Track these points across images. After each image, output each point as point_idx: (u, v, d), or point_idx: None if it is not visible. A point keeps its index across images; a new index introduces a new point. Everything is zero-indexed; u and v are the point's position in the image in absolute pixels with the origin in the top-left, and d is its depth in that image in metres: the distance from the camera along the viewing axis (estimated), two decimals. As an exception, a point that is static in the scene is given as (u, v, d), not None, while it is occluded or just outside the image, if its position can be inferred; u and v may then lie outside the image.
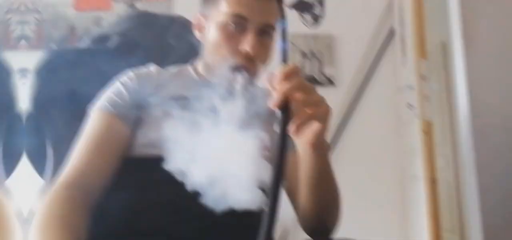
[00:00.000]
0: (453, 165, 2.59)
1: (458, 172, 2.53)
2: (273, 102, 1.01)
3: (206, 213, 1.15)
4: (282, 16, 1.19)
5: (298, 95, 1.04)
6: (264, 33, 1.46)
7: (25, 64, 3.89)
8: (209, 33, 1.50)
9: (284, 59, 1.08)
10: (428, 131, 2.86)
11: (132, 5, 4.06)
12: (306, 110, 1.07)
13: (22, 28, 4.02)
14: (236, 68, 1.41)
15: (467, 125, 1.76)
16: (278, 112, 1.01)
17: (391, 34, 3.83)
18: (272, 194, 0.91)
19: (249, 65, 1.41)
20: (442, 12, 2.17)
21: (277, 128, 1.01)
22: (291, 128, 1.06)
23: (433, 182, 2.82)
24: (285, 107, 1.01)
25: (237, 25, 1.43)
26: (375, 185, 3.57)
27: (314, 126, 1.11)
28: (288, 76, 1.03)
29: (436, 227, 2.81)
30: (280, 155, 0.95)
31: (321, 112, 1.09)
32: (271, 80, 1.04)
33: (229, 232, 1.30)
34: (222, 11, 1.45)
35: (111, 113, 1.43)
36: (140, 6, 4.05)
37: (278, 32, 1.34)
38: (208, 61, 1.52)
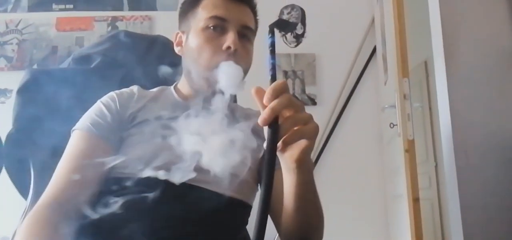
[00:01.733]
0: (435, 184, 2.60)
1: (440, 191, 2.53)
2: (261, 118, 0.99)
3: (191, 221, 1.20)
4: (271, 32, 1.19)
5: (287, 112, 1.03)
6: (243, 36, 1.48)
7: (5, 84, 3.87)
8: (190, 43, 1.51)
9: (273, 75, 1.07)
10: (410, 149, 2.86)
11: (113, 26, 4.06)
12: (294, 127, 1.06)
13: (2, 48, 4.00)
14: (215, 64, 1.39)
15: (449, 143, 1.76)
16: (266, 129, 0.99)
17: (373, 53, 3.85)
18: (262, 210, 0.92)
19: (233, 60, 1.40)
20: (424, 31, 2.18)
21: (262, 145, 1.00)
22: (279, 145, 1.05)
23: (415, 201, 2.81)
24: (274, 124, 0.99)
25: (217, 27, 1.45)
26: (358, 204, 3.57)
27: (301, 143, 1.10)
28: (277, 92, 1.01)
29: (419, 245, 2.81)
30: (269, 171, 0.95)
31: (309, 130, 1.08)
32: (260, 96, 1.03)
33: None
34: (201, 18, 1.48)
35: (93, 133, 1.42)
36: (121, 26, 4.06)
37: (266, 48, 1.35)
38: (190, 74, 1.52)
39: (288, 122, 1.02)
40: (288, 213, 1.32)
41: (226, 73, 1.22)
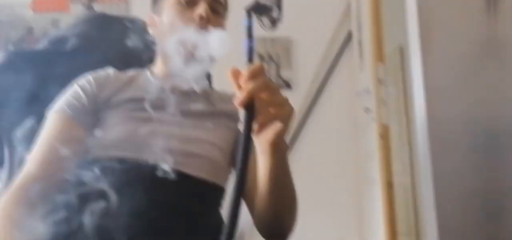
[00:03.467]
0: (409, 169, 2.61)
1: (414, 176, 2.54)
2: (238, 100, 0.99)
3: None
4: (248, 15, 1.19)
5: (263, 95, 1.03)
6: (214, 10, 1.51)
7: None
8: (163, 20, 1.54)
9: (250, 58, 1.07)
10: (384, 135, 2.87)
11: (89, 7, 4.02)
12: (270, 110, 1.06)
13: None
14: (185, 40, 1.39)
15: (424, 129, 1.76)
16: (242, 111, 1.00)
17: (348, 38, 3.85)
18: (236, 192, 0.92)
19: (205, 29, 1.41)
20: (400, 16, 2.18)
21: (236, 128, 1.01)
22: (254, 127, 1.05)
23: (389, 186, 2.83)
24: (250, 106, 1.00)
25: (188, 2, 1.49)
26: (332, 189, 3.58)
27: (276, 125, 1.10)
28: (254, 75, 1.01)
29: (392, 231, 2.83)
30: (244, 153, 0.95)
31: (285, 113, 1.09)
32: (236, 77, 1.02)
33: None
34: None
35: (69, 115, 1.42)
36: (98, 8, 4.03)
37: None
38: (164, 50, 1.52)
39: (264, 105, 1.03)
40: (262, 197, 1.32)
41: (214, 35, 1.20)
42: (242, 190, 0.93)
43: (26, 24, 3.99)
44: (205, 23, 1.43)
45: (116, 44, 1.87)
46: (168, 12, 1.51)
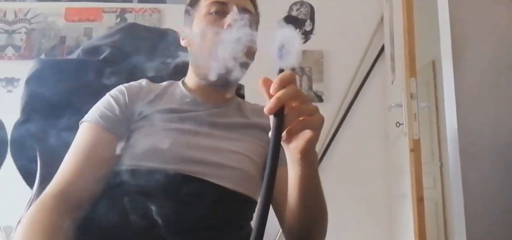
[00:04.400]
0: (440, 184, 2.60)
1: (444, 191, 2.53)
2: (267, 107, 0.99)
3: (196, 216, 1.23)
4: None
5: (293, 102, 1.03)
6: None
7: (13, 73, 3.89)
8: (194, 31, 1.53)
9: (281, 69, 1.07)
10: (415, 149, 2.86)
11: (122, 17, 4.06)
12: (300, 118, 1.07)
13: (11, 38, 4.01)
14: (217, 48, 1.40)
15: (455, 143, 1.76)
16: (272, 118, 1.00)
17: (381, 51, 3.84)
18: (264, 200, 0.92)
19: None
20: (433, 31, 2.18)
21: (269, 137, 1.01)
22: (284, 135, 1.06)
23: (420, 201, 2.81)
24: (279, 113, 0.99)
25: (218, 12, 1.48)
26: (362, 202, 3.57)
27: (306, 133, 1.10)
28: (284, 82, 1.00)
29: (422, 245, 2.81)
30: (273, 160, 0.95)
31: (315, 121, 1.08)
32: (267, 86, 1.03)
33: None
34: (202, 6, 1.52)
35: (102, 126, 1.42)
36: (130, 17, 4.07)
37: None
38: (196, 61, 1.53)
39: (294, 112, 1.02)
40: (291, 208, 1.32)
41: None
42: (270, 197, 0.93)
43: (59, 33, 4.04)
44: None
45: (150, 55, 1.89)
46: (199, 24, 1.51)
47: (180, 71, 1.68)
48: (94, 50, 1.91)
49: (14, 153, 1.73)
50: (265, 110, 0.99)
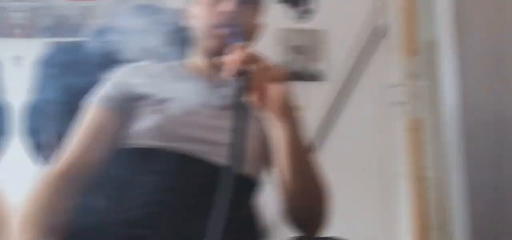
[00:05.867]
0: (440, 163, 2.59)
1: (446, 170, 2.53)
2: (227, 71, 1.11)
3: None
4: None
5: (252, 60, 1.13)
6: (246, 1, 1.48)
7: (19, 52, 3.87)
8: (195, 11, 1.55)
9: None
10: (417, 128, 2.85)
11: (125, -4, 4.05)
12: (262, 75, 1.14)
13: (14, 15, 4.00)
14: (215, 27, 1.44)
15: (456, 123, 1.76)
16: (235, 81, 1.10)
17: (381, 30, 3.83)
18: (232, 161, 1.03)
19: (230, 24, 1.41)
20: (433, 9, 2.17)
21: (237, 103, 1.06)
22: (251, 96, 1.15)
23: (421, 180, 2.81)
24: (240, 75, 1.09)
25: None
26: (363, 182, 3.57)
27: (274, 90, 1.16)
28: (240, 48, 1.14)
29: (422, 224, 2.81)
30: (237, 116, 1.05)
31: (276, 74, 1.14)
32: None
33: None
34: None
35: (106, 105, 1.46)
36: (134, -3, 4.05)
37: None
38: (196, 42, 1.54)
39: (255, 70, 1.13)
40: (285, 180, 1.33)
41: None
42: (237, 162, 1.04)
43: (61, 11, 4.03)
44: (231, 16, 1.43)
45: (155, 35, 1.90)
46: (199, 3, 1.52)
47: (183, 51, 1.69)
48: (105, 32, 1.93)
49: (23, 131, 1.77)
50: (226, 74, 1.12)
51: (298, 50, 3.81)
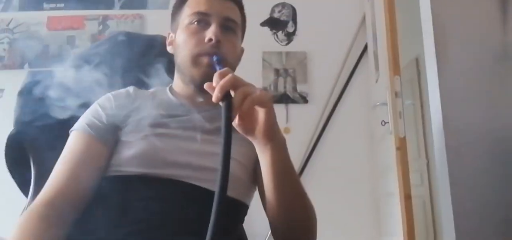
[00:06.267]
0: (427, 181, 2.60)
1: (432, 188, 2.54)
2: (214, 96, 1.10)
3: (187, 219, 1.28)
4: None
5: (235, 85, 1.12)
6: (228, 28, 1.51)
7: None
8: (177, 40, 1.55)
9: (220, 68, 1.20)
10: (401, 147, 2.86)
11: (104, 25, 4.05)
12: (246, 100, 1.13)
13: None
14: (199, 55, 1.45)
15: (441, 140, 1.76)
16: (221, 105, 1.10)
17: (364, 50, 3.85)
18: (220, 186, 1.01)
19: (213, 53, 1.42)
20: (415, 28, 2.19)
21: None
22: (236, 118, 1.17)
23: (408, 198, 2.82)
24: (226, 97, 1.10)
25: (200, 22, 1.49)
26: (349, 203, 3.57)
27: (260, 113, 1.18)
28: (223, 75, 1.12)
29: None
30: (226, 141, 1.05)
31: (262, 96, 1.15)
32: (211, 87, 1.13)
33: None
34: (186, 15, 1.52)
35: (89, 134, 1.44)
36: (112, 24, 4.05)
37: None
38: (180, 68, 1.54)
39: (239, 94, 1.12)
40: (270, 202, 1.34)
41: None
42: (226, 183, 1.02)
43: (42, 41, 4.03)
44: (215, 45, 1.44)
45: (139, 62, 1.90)
46: (182, 34, 1.52)
47: (168, 77, 1.70)
48: (84, 60, 1.93)
49: (8, 163, 1.75)
50: (213, 99, 1.10)
51: (282, 72, 3.83)
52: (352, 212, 3.55)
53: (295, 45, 3.91)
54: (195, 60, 1.45)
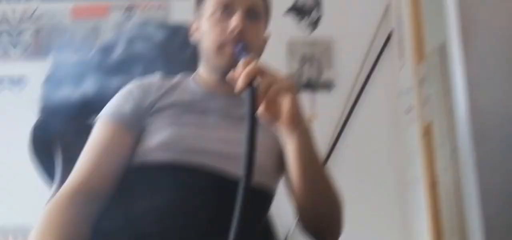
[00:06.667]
0: (453, 168, 2.58)
1: (458, 175, 2.52)
2: (238, 85, 1.13)
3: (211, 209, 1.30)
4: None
5: (260, 73, 1.15)
6: (252, 17, 1.52)
7: (22, 72, 3.88)
8: (202, 29, 1.56)
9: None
10: (427, 133, 2.85)
11: (129, 13, 4.06)
12: (271, 89, 1.16)
13: (19, 37, 4.02)
14: (223, 44, 1.47)
15: (467, 127, 1.75)
16: (245, 94, 1.12)
17: (389, 37, 3.82)
18: (246, 173, 1.03)
19: (238, 41, 1.44)
20: (440, 14, 2.17)
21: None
22: (261, 107, 1.18)
23: (433, 186, 2.80)
24: (250, 86, 1.12)
25: (224, 12, 1.49)
26: (375, 189, 3.56)
27: (284, 101, 1.19)
28: (247, 63, 1.15)
29: (436, 230, 2.80)
30: (251, 130, 1.06)
31: (284, 84, 1.16)
32: (234, 76, 1.17)
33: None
34: (210, 3, 1.53)
35: (116, 121, 1.46)
36: (138, 14, 4.06)
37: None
38: (205, 58, 1.55)
39: (264, 82, 1.14)
40: (298, 190, 1.34)
41: None
42: (251, 171, 1.03)
43: (66, 31, 4.05)
44: (239, 34, 1.44)
45: (165, 51, 1.91)
46: (206, 23, 1.53)
47: (193, 65, 1.71)
48: (109, 49, 1.94)
49: (34, 153, 1.76)
50: (236, 89, 1.13)
51: (307, 59, 3.82)
52: (377, 199, 3.54)
53: (320, 33, 3.90)
54: (219, 49, 1.46)
